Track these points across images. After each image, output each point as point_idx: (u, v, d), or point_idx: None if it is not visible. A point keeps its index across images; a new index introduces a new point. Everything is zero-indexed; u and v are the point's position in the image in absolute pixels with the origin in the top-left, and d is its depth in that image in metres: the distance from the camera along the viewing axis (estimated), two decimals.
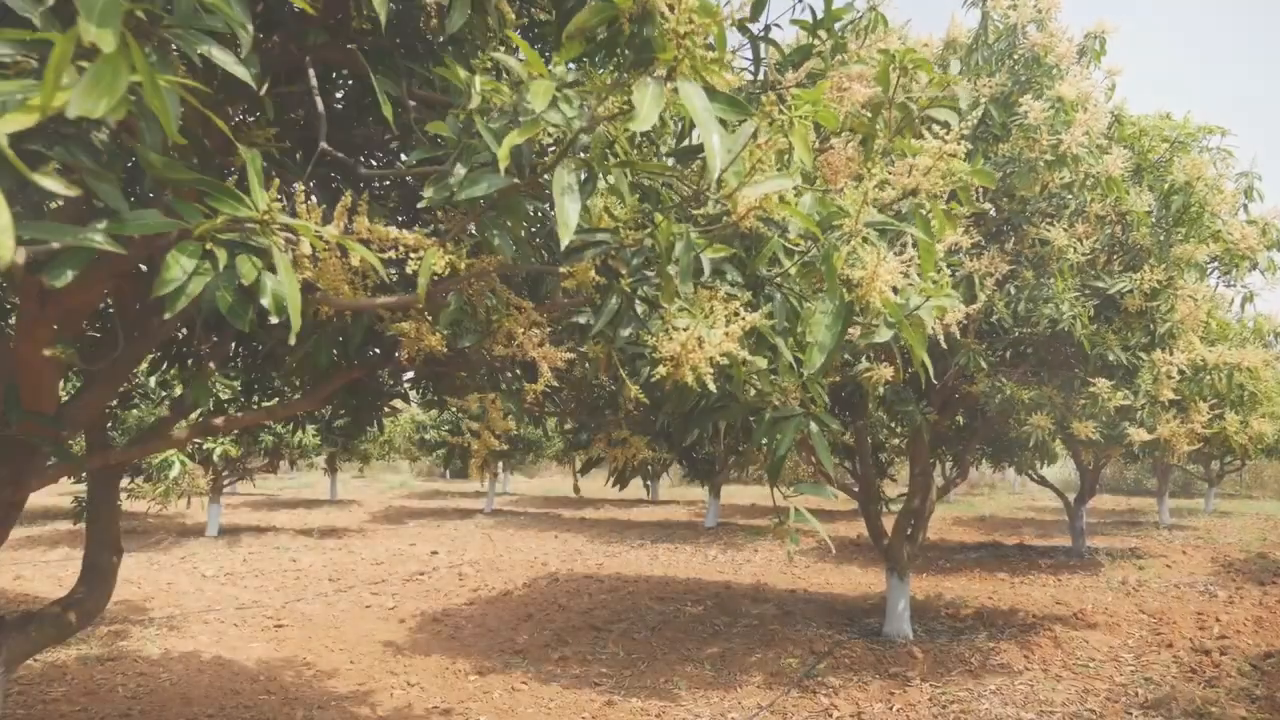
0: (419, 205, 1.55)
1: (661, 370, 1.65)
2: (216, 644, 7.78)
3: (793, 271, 1.95)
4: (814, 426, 2.11)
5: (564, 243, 1.44)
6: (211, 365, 3.79)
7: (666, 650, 7.59)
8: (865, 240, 1.85)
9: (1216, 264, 6.44)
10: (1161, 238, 5.81)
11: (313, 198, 1.88)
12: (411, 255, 1.64)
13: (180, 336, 4.68)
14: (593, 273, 1.77)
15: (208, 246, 1.45)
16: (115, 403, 4.95)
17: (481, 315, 2.24)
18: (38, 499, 10.66)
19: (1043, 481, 13.89)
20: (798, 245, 2.06)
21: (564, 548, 14.68)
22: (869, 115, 2.18)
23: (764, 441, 2.12)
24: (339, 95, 2.87)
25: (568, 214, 1.43)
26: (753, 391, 2.25)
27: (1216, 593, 9.92)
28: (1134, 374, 5.81)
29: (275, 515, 19.54)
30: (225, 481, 15.77)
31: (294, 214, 1.74)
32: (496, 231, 1.63)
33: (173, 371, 4.54)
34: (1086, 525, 13.87)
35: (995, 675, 6.67)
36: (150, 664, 6.91)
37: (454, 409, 2.51)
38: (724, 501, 19.13)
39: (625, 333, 1.85)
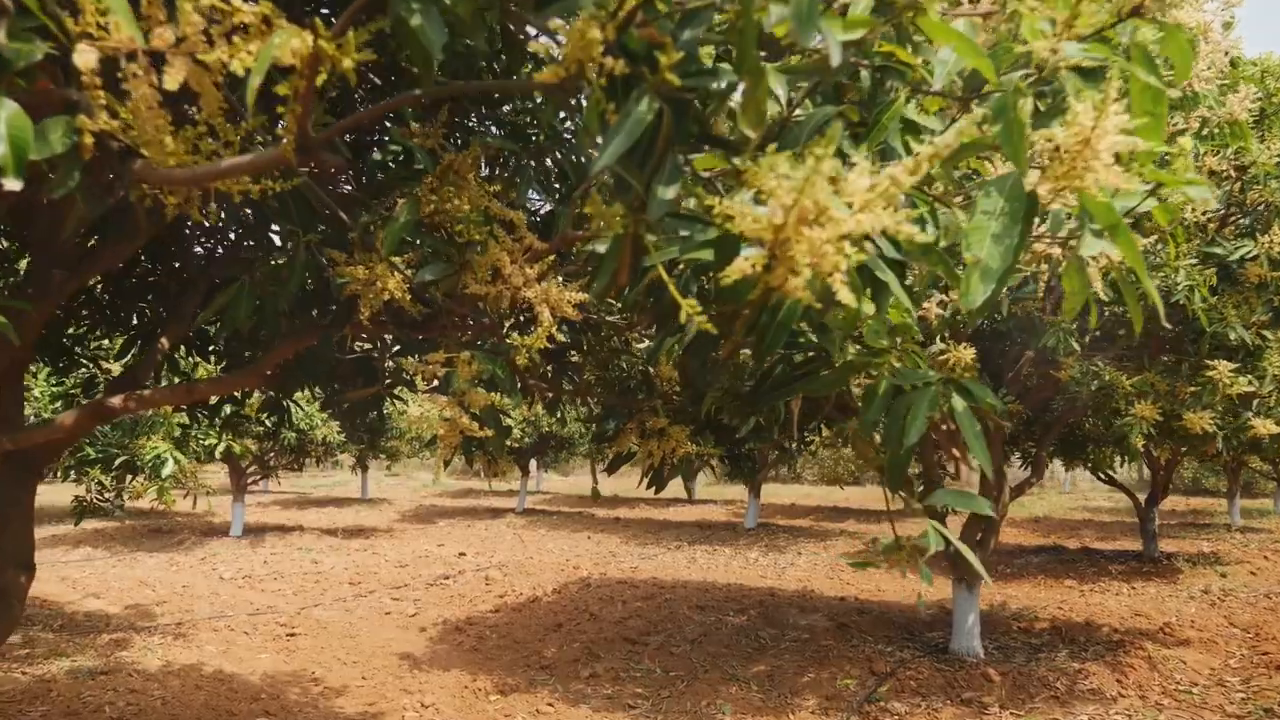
0: None
1: (745, 265, 0.84)
2: (222, 655, 7.22)
3: (926, 160, 1.22)
4: (958, 401, 1.37)
5: None
6: (165, 342, 3.16)
7: (708, 667, 6.86)
8: (1061, 93, 1.12)
9: None
10: None
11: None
12: (247, 52, 0.95)
13: (148, 316, 4.07)
14: (597, 45, 0.88)
15: None
16: (80, 390, 4.34)
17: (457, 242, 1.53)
18: (66, 496, 10.15)
19: (1111, 481, 12.88)
20: (930, 123, 1.33)
21: (597, 549, 14.01)
22: None
23: (878, 424, 1.39)
24: None
25: None
26: (851, 350, 1.52)
27: None
28: (1257, 356, 4.96)
29: (303, 514, 19.16)
30: (250, 480, 15.33)
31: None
32: (418, 4, 0.91)
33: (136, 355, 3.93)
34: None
35: (1086, 703, 5.84)
36: (145, 679, 6.34)
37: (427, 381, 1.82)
38: (763, 501, 18.28)
39: (668, 193, 0.97)
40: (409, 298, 1.72)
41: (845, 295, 0.77)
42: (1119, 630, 7.89)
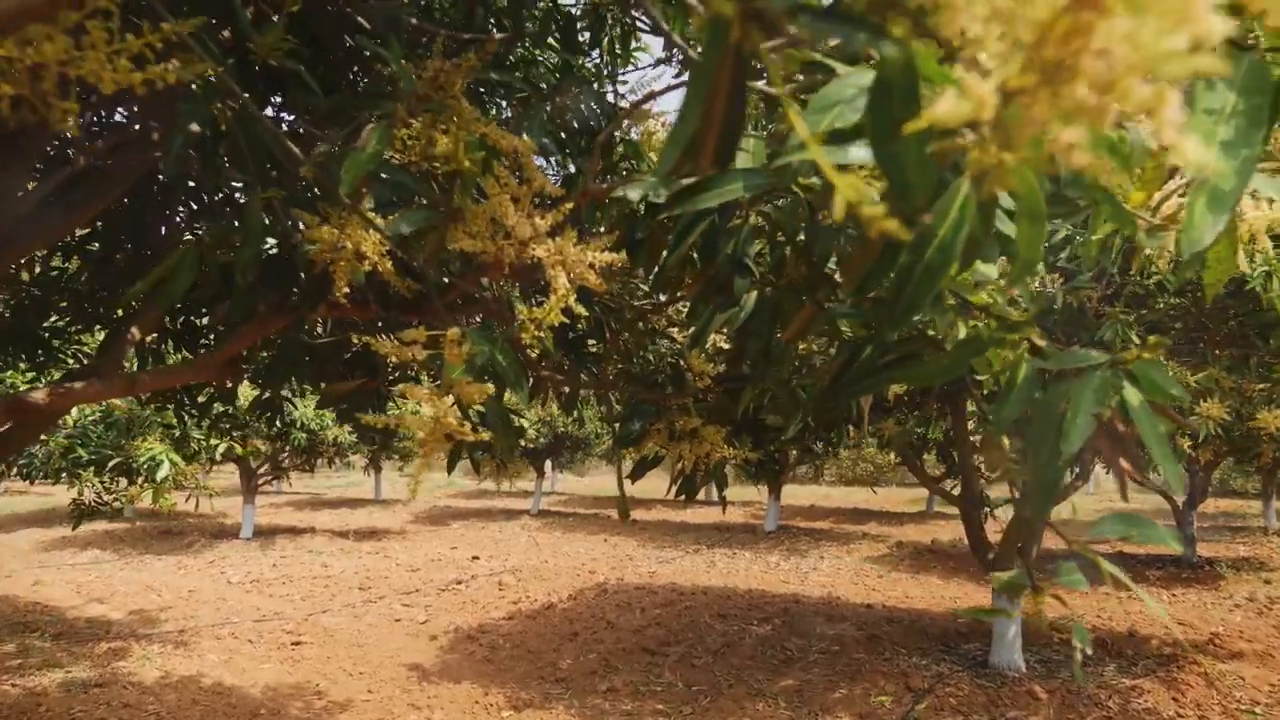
0: None
1: (966, 107, 0.39)
2: (224, 665, 6.91)
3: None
4: (1132, 393, 1.01)
5: None
6: (135, 331, 2.83)
7: (732, 681, 6.48)
8: None
9: None
10: None
11: None
12: None
13: (133, 306, 3.75)
14: None
15: None
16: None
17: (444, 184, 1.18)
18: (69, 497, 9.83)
19: (1145, 482, 12.38)
20: None
21: (613, 552, 13.64)
22: None
23: (1015, 421, 1.03)
24: None
25: None
26: (961, 328, 1.17)
27: None
28: None
29: (316, 516, 18.90)
30: (262, 481, 15.06)
31: None
32: None
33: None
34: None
35: None
36: (141, 692, 6.04)
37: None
38: (782, 502, 17.83)
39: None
40: (391, 265, 1.36)
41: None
42: (1167, 642, 7.46)
